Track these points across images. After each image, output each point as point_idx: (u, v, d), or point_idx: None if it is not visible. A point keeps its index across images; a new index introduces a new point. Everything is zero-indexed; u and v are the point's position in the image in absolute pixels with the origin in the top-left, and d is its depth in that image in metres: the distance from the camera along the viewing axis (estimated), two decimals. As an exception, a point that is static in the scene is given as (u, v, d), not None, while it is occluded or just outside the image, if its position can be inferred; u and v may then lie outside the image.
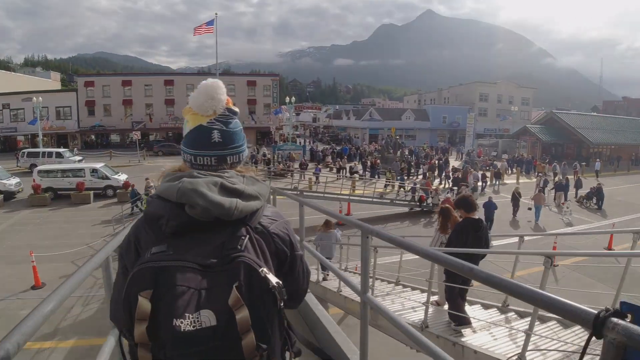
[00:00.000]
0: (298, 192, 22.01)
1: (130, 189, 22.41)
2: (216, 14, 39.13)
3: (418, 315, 6.37)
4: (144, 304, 1.11)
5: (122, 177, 25.84)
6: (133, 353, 1.17)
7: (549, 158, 41.50)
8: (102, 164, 26.53)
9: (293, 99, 43.96)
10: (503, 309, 6.47)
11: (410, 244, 2.09)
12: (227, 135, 1.42)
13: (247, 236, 1.26)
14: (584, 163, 37.62)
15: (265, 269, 1.20)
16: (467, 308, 6.23)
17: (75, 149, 43.61)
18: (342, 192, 22.77)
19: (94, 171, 25.04)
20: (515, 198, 21.10)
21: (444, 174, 30.94)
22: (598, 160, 37.26)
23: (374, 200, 22.34)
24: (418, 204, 22.46)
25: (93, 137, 60.16)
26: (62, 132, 58.75)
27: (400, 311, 6.81)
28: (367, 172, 32.87)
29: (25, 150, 37.95)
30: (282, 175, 28.84)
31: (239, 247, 1.21)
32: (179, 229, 1.25)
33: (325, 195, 21.96)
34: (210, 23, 39.58)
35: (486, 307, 6.77)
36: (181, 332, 1.09)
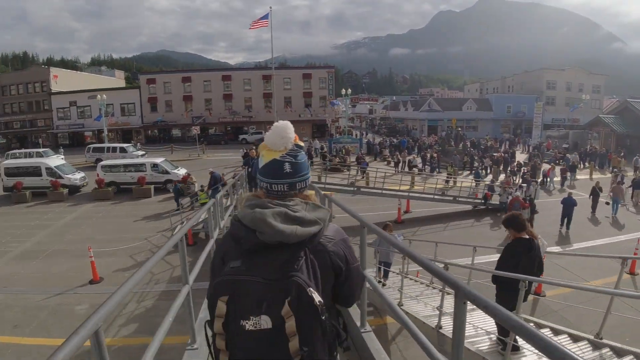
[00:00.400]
0: (355, 188, 21.22)
1: (173, 184, 22.59)
2: (270, 7, 38.88)
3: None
4: (221, 306, 1.50)
5: (182, 171, 26.17)
6: (213, 340, 1.58)
7: (624, 151, 37.90)
8: (162, 159, 27.05)
9: (349, 90, 43.10)
10: (596, 343, 5.55)
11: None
12: (295, 166, 1.71)
13: (304, 258, 1.54)
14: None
15: (312, 289, 1.47)
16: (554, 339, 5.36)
17: (139, 143, 45.06)
18: (400, 188, 21.42)
19: (154, 166, 25.56)
20: (595, 193, 19.22)
21: (509, 169, 29.09)
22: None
23: (435, 197, 20.97)
24: (483, 201, 21.02)
25: (156, 132, 62.14)
26: (126, 128, 61.34)
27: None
28: (426, 166, 31.52)
29: (91, 146, 39.48)
30: (338, 170, 28.20)
31: (296, 267, 1.50)
32: (252, 248, 1.57)
33: (384, 192, 20.59)
34: (265, 17, 39.44)
35: (575, 338, 5.88)
36: (245, 330, 1.48)
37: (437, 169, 30.45)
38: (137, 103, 61.73)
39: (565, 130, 53.57)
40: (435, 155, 31.54)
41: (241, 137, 55.64)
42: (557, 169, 26.94)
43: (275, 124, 1.72)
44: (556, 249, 14.71)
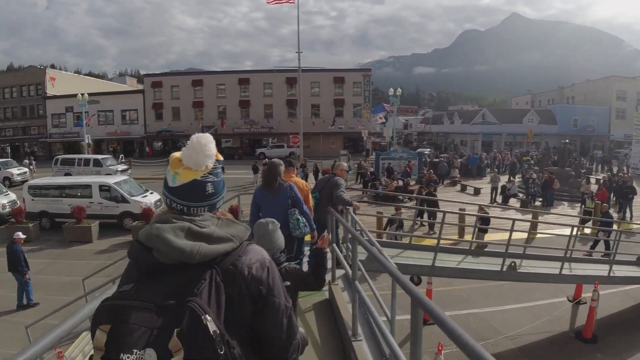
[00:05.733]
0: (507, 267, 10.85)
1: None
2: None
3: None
4: (100, 336, 1.23)
5: (152, 197, 16.36)
6: None
7: None
8: (121, 178, 17.35)
9: (399, 90, 32.84)
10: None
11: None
12: (217, 185, 1.50)
13: (208, 280, 1.30)
14: None
15: (208, 316, 1.23)
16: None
17: (121, 155, 35.29)
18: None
19: (104, 189, 15.69)
20: None
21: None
22: None
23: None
24: None
25: (160, 143, 53.07)
26: (127, 138, 52.51)
27: None
28: (532, 197, 20.88)
29: (59, 157, 30.27)
30: (396, 200, 18.18)
31: (195, 290, 1.26)
32: (149, 270, 1.34)
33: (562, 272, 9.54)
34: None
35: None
36: None
37: (545, 201, 19.98)
38: (141, 109, 53.28)
39: None
40: (547, 178, 20.43)
41: (259, 150, 46.29)
42: None
43: (195, 137, 1.45)
44: None
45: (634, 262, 9.90)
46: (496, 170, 24.11)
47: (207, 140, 1.46)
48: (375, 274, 6.15)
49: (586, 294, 9.90)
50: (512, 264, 7.48)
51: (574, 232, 8.91)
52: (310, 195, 5.97)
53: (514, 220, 8.47)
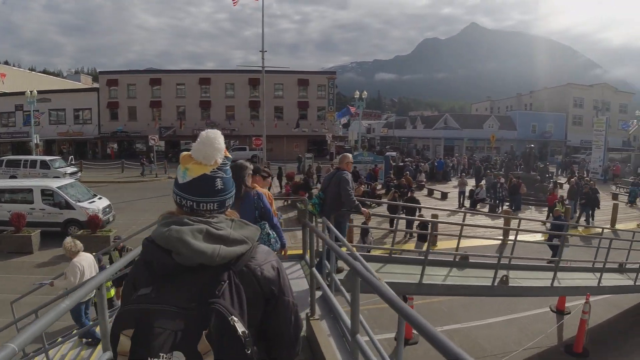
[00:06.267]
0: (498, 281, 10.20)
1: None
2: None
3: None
4: (124, 341, 1.22)
5: (100, 203, 14.97)
6: None
7: None
8: (66, 182, 15.72)
9: (364, 93, 32.30)
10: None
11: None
12: (226, 182, 1.51)
13: (227, 281, 1.32)
14: None
15: (235, 317, 1.25)
16: None
17: (71, 157, 33.13)
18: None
19: (47, 193, 14.24)
20: None
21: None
22: None
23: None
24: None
25: (115, 145, 50.65)
26: (79, 139, 49.77)
27: None
28: (500, 202, 20.65)
29: (4, 158, 27.92)
30: (366, 205, 17.50)
31: (217, 292, 1.28)
32: (167, 272, 1.34)
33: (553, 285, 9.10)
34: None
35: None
36: None
37: (513, 206, 19.77)
38: (95, 109, 50.40)
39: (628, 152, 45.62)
40: (515, 182, 20.19)
41: (220, 153, 44.06)
42: None
43: (204, 133, 1.50)
44: None
45: (617, 269, 9.47)
46: (464, 174, 23.81)
47: (215, 135, 1.49)
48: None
49: (569, 304, 9.45)
50: (504, 278, 6.80)
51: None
52: (274, 206, 5.06)
53: (507, 228, 7.81)
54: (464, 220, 9.80)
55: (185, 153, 1.50)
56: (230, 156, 1.57)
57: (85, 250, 7.51)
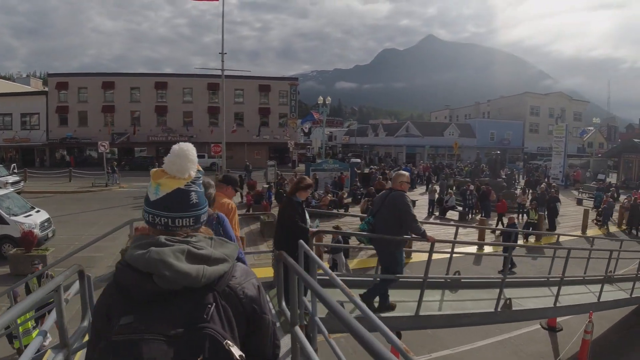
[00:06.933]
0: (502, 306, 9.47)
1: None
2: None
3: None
4: None
5: (37, 217, 13.35)
6: None
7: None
8: (1, 193, 13.96)
9: (328, 99, 31.54)
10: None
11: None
12: (200, 196, 1.45)
13: (214, 304, 1.27)
14: None
15: (229, 341, 1.22)
16: None
17: (13, 165, 30.53)
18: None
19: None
20: None
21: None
22: None
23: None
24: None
25: (64, 152, 47.81)
26: (26, 145, 46.64)
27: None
28: (470, 209, 20.26)
29: None
30: (334, 216, 16.61)
31: (205, 316, 1.23)
32: (147, 298, 1.25)
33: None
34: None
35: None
36: None
37: (483, 212, 19.39)
38: (43, 113, 47.44)
39: (587, 158, 47.37)
40: (485, 189, 19.79)
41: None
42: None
43: (177, 146, 1.45)
44: None
45: (607, 279, 8.88)
46: (433, 181, 23.44)
47: (188, 147, 1.45)
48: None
49: (560, 319, 8.83)
50: (508, 302, 5.95)
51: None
52: (236, 218, 4.40)
53: (498, 244, 7.02)
54: (455, 237, 9.05)
55: (155, 169, 1.43)
56: (202, 170, 1.49)
57: (18, 274, 6.21)
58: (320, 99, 31.38)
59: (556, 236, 15.54)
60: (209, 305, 1.25)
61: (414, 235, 5.49)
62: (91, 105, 47.18)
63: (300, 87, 55.71)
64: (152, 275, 1.22)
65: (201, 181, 1.49)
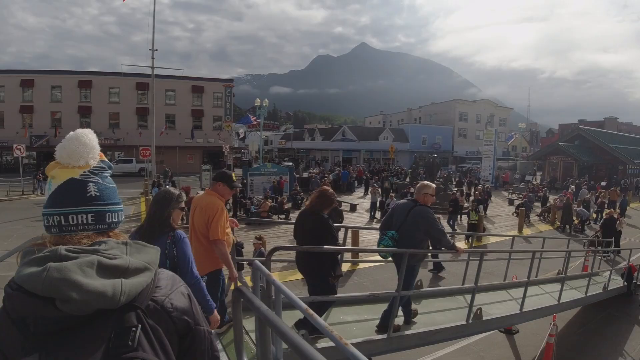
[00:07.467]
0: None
1: None
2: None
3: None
4: None
5: None
6: None
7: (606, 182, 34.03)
8: None
9: (266, 101, 30.84)
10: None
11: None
12: (104, 189, 1.20)
13: (139, 325, 1.03)
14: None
15: None
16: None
17: None
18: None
19: None
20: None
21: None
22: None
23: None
24: (626, 285, 10.59)
25: (-25, 156, 43.72)
26: None
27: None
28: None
29: None
30: (274, 223, 16.01)
31: (131, 343, 0.99)
32: (51, 329, 0.98)
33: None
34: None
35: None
36: None
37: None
38: (-46, 114, 43.00)
39: (514, 161, 50.53)
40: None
41: (102, 165, 39.67)
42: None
43: (72, 132, 1.21)
44: None
45: (557, 279, 8.95)
46: (375, 185, 23.48)
47: (84, 131, 1.22)
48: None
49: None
50: (478, 312, 5.59)
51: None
52: (222, 221, 4.06)
53: (485, 251, 6.73)
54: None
55: (51, 162, 1.19)
56: (109, 162, 1.25)
57: None
58: (258, 101, 30.55)
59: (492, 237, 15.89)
60: (134, 329, 1.00)
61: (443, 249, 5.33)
62: (7, 104, 43.16)
63: (235, 90, 54.46)
64: (54, 299, 0.94)
65: (106, 173, 1.21)
